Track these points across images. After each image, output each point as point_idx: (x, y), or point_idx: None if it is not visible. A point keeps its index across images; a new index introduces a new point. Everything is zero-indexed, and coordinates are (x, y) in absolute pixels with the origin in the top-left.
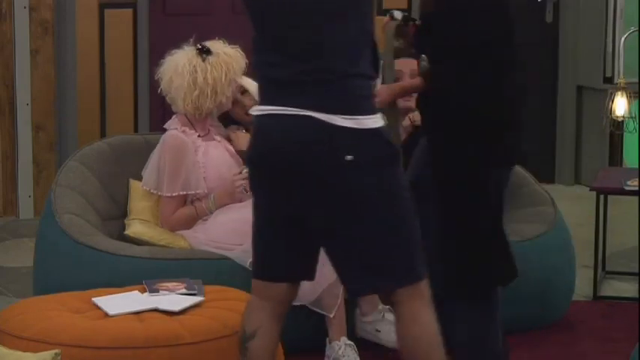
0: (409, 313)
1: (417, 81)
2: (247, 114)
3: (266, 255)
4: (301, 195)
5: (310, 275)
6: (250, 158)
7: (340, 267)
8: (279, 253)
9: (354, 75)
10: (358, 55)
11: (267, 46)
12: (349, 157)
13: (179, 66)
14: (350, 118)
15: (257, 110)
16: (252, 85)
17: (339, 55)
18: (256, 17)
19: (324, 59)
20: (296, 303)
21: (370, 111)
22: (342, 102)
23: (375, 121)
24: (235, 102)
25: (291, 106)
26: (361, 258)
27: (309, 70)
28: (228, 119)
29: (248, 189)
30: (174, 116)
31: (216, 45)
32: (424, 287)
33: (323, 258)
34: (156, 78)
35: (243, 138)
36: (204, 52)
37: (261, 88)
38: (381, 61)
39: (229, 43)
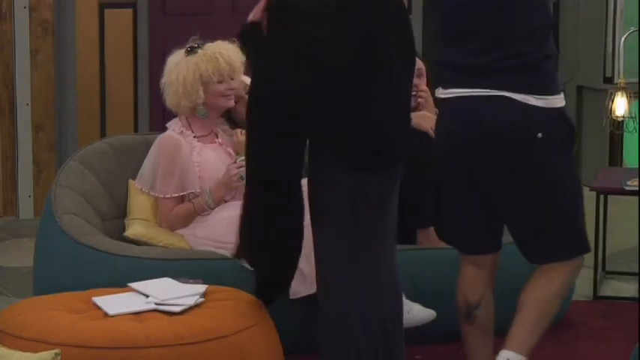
0: (559, 271)
1: None
2: None
3: (467, 231)
4: (491, 170)
5: (499, 246)
6: (442, 139)
7: (521, 237)
8: (477, 228)
9: (542, 57)
10: (545, 37)
11: (458, 36)
12: (540, 135)
13: (168, 64)
14: (541, 98)
15: (446, 93)
16: None
17: (529, 39)
18: (446, 10)
19: (517, 44)
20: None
21: (557, 91)
22: (535, 83)
23: (561, 100)
24: (239, 100)
25: (488, 88)
26: (546, 229)
27: (503, 55)
28: (229, 119)
29: (245, 177)
30: (177, 117)
31: (215, 45)
32: (578, 257)
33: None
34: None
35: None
36: (189, 51)
37: (447, 75)
38: None
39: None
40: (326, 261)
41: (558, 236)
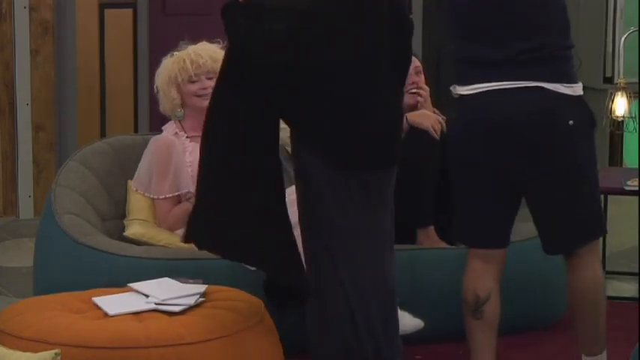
0: (586, 265)
1: None
2: None
3: (486, 225)
4: (526, 162)
5: (509, 240)
6: (465, 135)
7: (549, 226)
8: (498, 221)
9: (566, 47)
10: (565, 26)
11: (479, 30)
12: (571, 122)
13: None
14: (568, 87)
15: (470, 89)
16: None
17: (555, 31)
18: (465, 4)
19: (546, 36)
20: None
21: (577, 79)
22: (563, 72)
23: (581, 87)
24: None
25: (517, 80)
26: (573, 214)
27: (533, 46)
28: None
29: None
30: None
31: (194, 47)
32: (598, 242)
33: None
34: None
35: None
36: (171, 55)
37: (469, 70)
38: None
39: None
40: (312, 261)
41: (583, 221)
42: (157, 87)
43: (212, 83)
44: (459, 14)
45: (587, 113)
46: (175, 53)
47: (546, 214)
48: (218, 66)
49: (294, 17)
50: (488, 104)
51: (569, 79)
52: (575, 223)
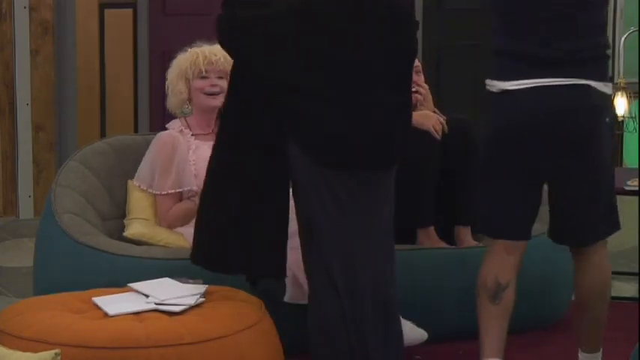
0: (597, 260)
1: None
2: None
3: (513, 216)
4: (568, 157)
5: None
6: (506, 130)
7: (574, 218)
8: (525, 213)
9: (607, 46)
10: (605, 28)
11: (530, 26)
12: (607, 120)
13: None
14: (607, 85)
15: (516, 84)
16: None
17: (599, 31)
18: (522, 5)
19: (594, 35)
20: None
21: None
22: (604, 71)
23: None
24: None
25: (568, 77)
26: (598, 208)
27: (582, 46)
28: None
29: None
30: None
31: (207, 46)
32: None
33: None
34: None
35: None
36: (184, 52)
37: (516, 66)
38: None
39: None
40: (306, 261)
41: (605, 215)
42: (167, 84)
43: (222, 83)
44: (507, 13)
45: (614, 112)
46: (190, 49)
47: (574, 207)
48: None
49: (293, 16)
50: (534, 99)
51: (606, 78)
52: (599, 217)
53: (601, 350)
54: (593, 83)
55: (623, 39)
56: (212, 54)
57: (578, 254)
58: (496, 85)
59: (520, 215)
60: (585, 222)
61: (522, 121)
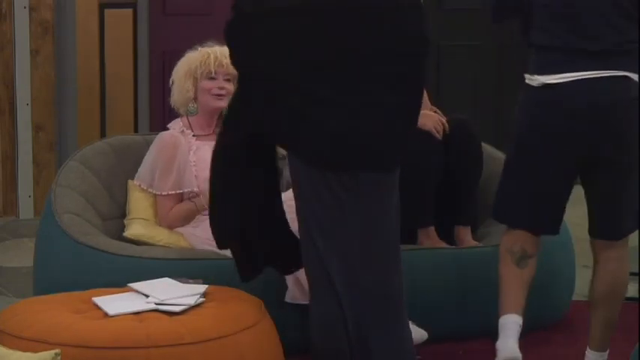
0: (619, 257)
1: None
2: None
3: (547, 212)
4: (605, 146)
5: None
6: (553, 118)
7: (608, 211)
8: (560, 208)
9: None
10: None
11: (571, 20)
12: None
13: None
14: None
15: (561, 77)
16: None
17: (635, 25)
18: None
19: (632, 30)
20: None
21: None
22: (637, 63)
23: None
24: None
25: (610, 70)
26: (632, 201)
27: (624, 39)
28: None
29: None
30: (179, 117)
31: (219, 47)
32: None
33: None
34: None
35: None
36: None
37: (558, 59)
38: None
39: (218, 42)
40: (305, 259)
41: (633, 210)
42: (172, 80)
43: (229, 86)
44: (545, 5)
45: None
46: (200, 48)
47: (609, 199)
48: None
49: (293, 14)
50: (575, 92)
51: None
52: (632, 210)
53: (607, 351)
54: (632, 75)
55: None
56: (223, 56)
57: (601, 253)
58: (537, 80)
59: (555, 208)
60: (615, 215)
61: (564, 114)
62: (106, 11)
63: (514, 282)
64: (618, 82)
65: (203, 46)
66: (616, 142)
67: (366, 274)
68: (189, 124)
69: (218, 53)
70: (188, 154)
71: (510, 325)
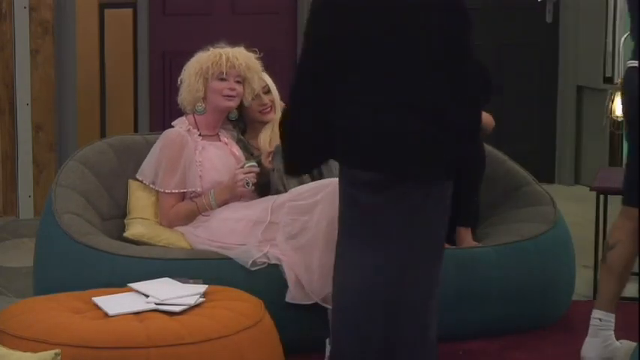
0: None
1: None
2: (261, 112)
3: (633, 182)
4: None
5: None
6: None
7: None
8: None
9: None
10: None
11: None
12: None
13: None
14: None
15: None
16: (273, 85)
17: None
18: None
19: None
20: (309, 302)
21: None
22: None
23: None
24: (254, 98)
25: None
26: None
27: None
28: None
29: (251, 182)
30: (183, 116)
31: (230, 48)
32: None
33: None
34: None
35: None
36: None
37: None
38: None
39: (229, 43)
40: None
41: None
42: (181, 78)
43: (239, 88)
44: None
45: None
46: (212, 48)
47: None
48: (250, 74)
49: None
50: None
51: None
52: None
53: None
54: None
55: (623, 39)
56: (234, 57)
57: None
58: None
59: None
60: None
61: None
62: (106, 11)
63: (602, 278)
64: None
65: (215, 46)
66: None
67: (369, 277)
68: (196, 122)
69: (230, 54)
70: (194, 153)
71: None
